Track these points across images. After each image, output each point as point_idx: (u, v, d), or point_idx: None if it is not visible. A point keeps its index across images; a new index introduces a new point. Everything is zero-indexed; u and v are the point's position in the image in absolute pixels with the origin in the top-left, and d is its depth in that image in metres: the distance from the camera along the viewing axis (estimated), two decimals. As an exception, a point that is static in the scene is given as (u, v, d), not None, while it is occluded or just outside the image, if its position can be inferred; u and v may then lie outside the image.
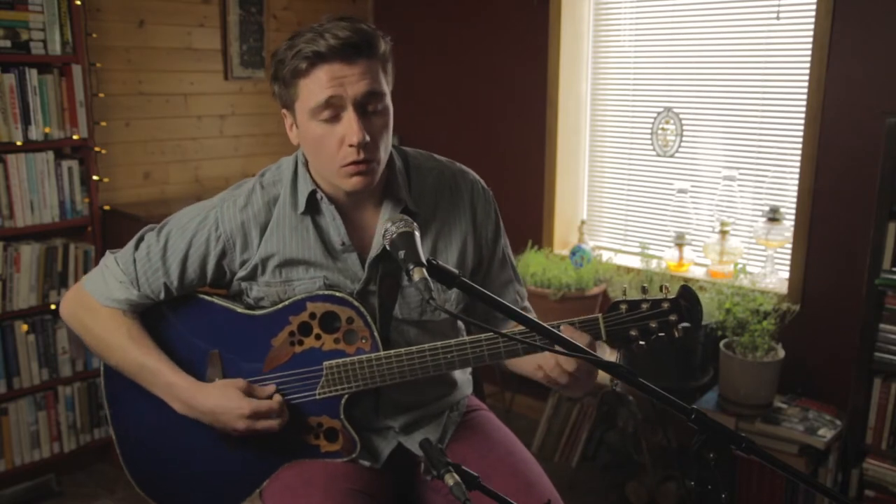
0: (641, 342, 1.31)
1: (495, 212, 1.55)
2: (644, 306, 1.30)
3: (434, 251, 1.47)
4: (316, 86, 1.29)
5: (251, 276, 1.44)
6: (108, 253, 1.49)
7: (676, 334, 1.30)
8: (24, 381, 2.72)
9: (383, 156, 1.37)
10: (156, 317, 1.47)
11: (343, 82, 1.28)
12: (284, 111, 1.40)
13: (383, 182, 1.44)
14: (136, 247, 1.45)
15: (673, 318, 1.29)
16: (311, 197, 1.41)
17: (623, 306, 1.31)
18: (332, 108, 1.30)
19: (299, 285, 1.43)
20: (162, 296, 1.44)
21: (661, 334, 1.30)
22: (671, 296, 1.30)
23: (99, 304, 1.45)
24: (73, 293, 1.50)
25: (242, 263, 1.44)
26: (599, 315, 1.31)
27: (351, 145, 1.31)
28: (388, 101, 1.36)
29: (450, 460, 1.06)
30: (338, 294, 1.39)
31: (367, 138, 1.30)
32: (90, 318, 1.46)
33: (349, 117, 1.30)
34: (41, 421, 2.79)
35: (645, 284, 1.34)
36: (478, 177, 1.55)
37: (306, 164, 1.44)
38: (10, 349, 2.67)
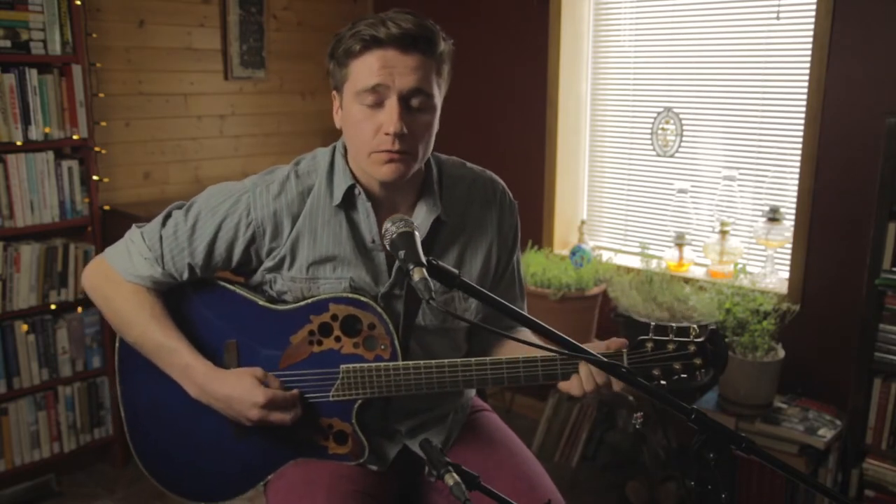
0: (663, 381, 1.30)
1: (517, 225, 1.56)
2: (670, 347, 1.30)
3: (461, 259, 1.47)
4: (366, 69, 1.30)
5: (277, 268, 1.43)
6: (133, 227, 1.47)
7: (699, 378, 1.30)
8: (24, 381, 2.72)
9: (421, 153, 1.36)
10: (178, 300, 1.46)
11: (393, 72, 1.29)
12: (334, 93, 1.41)
13: (419, 185, 1.44)
14: (164, 223, 1.43)
15: (698, 361, 1.29)
16: (349, 191, 1.40)
17: (649, 345, 1.30)
18: (377, 95, 1.30)
19: (325, 284, 1.42)
20: (185, 276, 1.43)
21: (683, 376, 1.30)
22: (698, 338, 1.29)
23: (122, 278, 1.43)
24: (95, 265, 1.48)
25: (270, 251, 1.42)
26: (624, 351, 1.31)
27: (387, 133, 1.30)
28: (436, 102, 1.35)
29: (449, 460, 1.06)
30: (362, 299, 1.38)
31: (405, 130, 1.30)
32: (113, 292, 1.44)
33: (391, 106, 1.30)
34: (41, 421, 2.79)
35: (673, 322, 1.34)
36: (506, 186, 1.56)
37: (345, 155, 1.44)
38: (10, 349, 2.67)
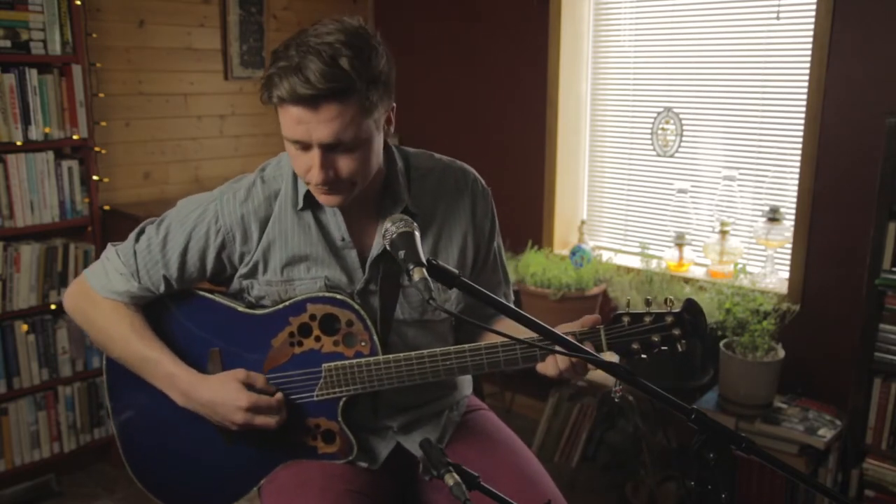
0: (643, 356, 1.30)
1: (492, 211, 1.55)
2: (647, 319, 1.29)
3: (435, 252, 1.47)
4: (285, 120, 1.27)
5: (252, 274, 1.44)
6: (109, 245, 1.49)
7: (679, 348, 1.29)
8: (24, 381, 2.72)
9: (359, 181, 1.33)
10: (158, 313, 1.48)
11: (308, 128, 1.24)
12: None
13: (382, 182, 1.44)
14: (137, 239, 1.45)
15: (676, 332, 1.28)
16: (310, 194, 1.41)
17: (626, 319, 1.30)
18: (301, 144, 1.28)
19: (300, 285, 1.43)
20: (162, 289, 1.44)
21: (663, 348, 1.29)
22: (675, 309, 1.28)
23: (100, 296, 1.45)
24: (75, 285, 1.50)
25: (242, 257, 1.44)
26: (601, 327, 1.31)
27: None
28: (365, 136, 1.28)
29: (450, 460, 1.06)
30: (339, 296, 1.39)
31: (331, 176, 1.29)
32: (93, 310, 1.46)
33: (314, 156, 1.27)
34: (41, 421, 2.79)
35: (649, 297, 1.33)
36: (477, 175, 1.55)
37: None
38: (10, 349, 2.67)
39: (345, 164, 1.29)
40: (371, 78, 1.25)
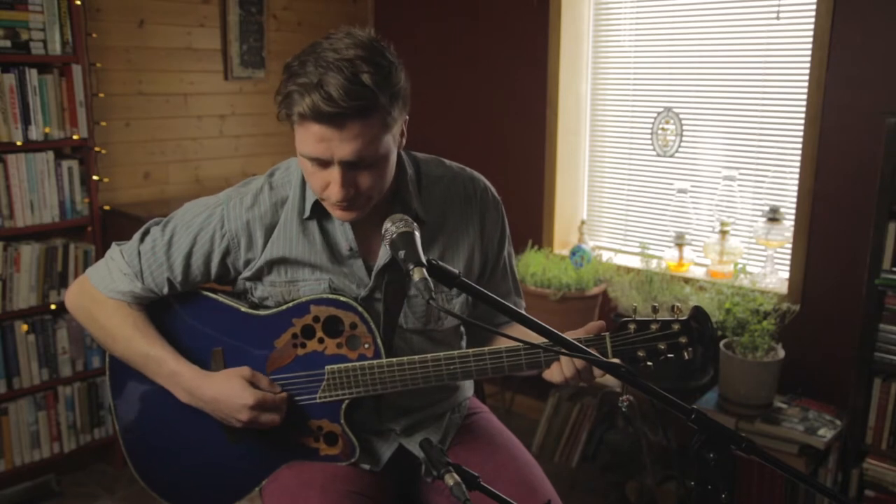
0: (649, 363, 1.29)
1: (503, 221, 1.55)
2: (653, 327, 1.28)
3: (441, 258, 1.45)
4: (303, 138, 1.26)
5: (256, 277, 1.44)
6: (113, 245, 1.49)
7: (686, 356, 1.28)
8: (24, 381, 2.72)
9: (375, 196, 1.33)
10: (161, 312, 1.47)
11: (330, 145, 1.23)
12: None
13: (392, 190, 1.43)
14: (142, 240, 1.45)
15: (683, 340, 1.27)
16: (318, 204, 1.40)
17: (632, 326, 1.29)
18: (319, 161, 1.27)
19: (304, 286, 1.42)
20: (165, 290, 1.44)
21: (669, 356, 1.28)
22: (682, 317, 1.28)
23: (103, 295, 1.44)
24: (77, 284, 1.50)
25: (247, 263, 1.43)
26: (606, 334, 1.30)
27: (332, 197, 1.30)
28: (384, 151, 1.28)
29: (450, 460, 1.06)
30: (342, 298, 1.39)
31: (351, 192, 1.28)
32: (96, 309, 1.46)
33: (334, 173, 1.27)
34: (41, 421, 2.79)
35: (656, 304, 1.32)
36: (488, 183, 1.54)
37: None
38: (10, 349, 2.67)
39: (364, 180, 1.29)
40: (392, 93, 1.25)
